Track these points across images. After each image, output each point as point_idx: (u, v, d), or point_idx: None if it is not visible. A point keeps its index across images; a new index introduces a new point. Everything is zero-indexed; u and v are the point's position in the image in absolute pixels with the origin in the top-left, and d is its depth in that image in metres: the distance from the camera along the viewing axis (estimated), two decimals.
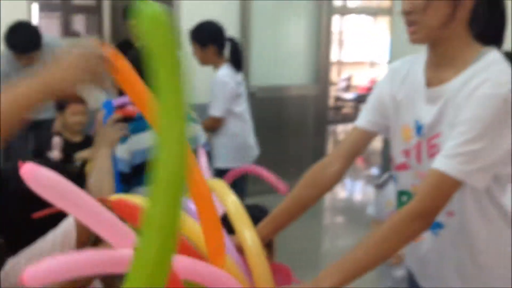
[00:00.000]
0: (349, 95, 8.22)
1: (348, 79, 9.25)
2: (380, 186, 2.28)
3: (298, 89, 5.21)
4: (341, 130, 8.48)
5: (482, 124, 1.13)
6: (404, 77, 1.36)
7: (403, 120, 1.35)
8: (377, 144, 7.11)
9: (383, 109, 1.40)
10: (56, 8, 5.44)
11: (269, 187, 1.99)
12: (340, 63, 9.76)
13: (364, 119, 1.42)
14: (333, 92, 7.82)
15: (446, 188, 1.14)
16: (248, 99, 4.66)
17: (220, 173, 3.08)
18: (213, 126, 3.20)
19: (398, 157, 1.40)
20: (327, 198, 5.03)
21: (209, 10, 4.55)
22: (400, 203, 1.43)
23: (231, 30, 4.74)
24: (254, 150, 3.47)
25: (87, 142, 2.57)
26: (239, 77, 3.32)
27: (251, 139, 3.42)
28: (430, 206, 1.14)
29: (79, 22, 5.66)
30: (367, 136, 1.43)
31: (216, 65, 3.24)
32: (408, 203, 1.18)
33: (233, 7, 4.76)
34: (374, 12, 10.22)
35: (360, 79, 9.73)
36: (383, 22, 10.26)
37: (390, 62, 4.37)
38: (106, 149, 1.76)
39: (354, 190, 5.87)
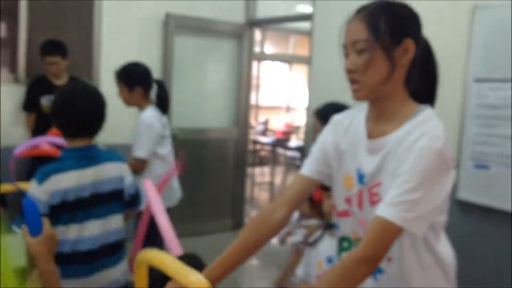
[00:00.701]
0: (266, 139, 8.37)
1: (265, 123, 9.43)
2: (311, 245, 2.20)
3: (219, 131, 5.25)
4: (259, 172, 8.58)
5: (421, 174, 1.22)
6: (347, 128, 1.44)
7: (345, 169, 1.42)
8: None
9: (326, 158, 1.47)
10: None
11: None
12: (257, 107, 9.97)
13: (308, 168, 1.49)
14: (250, 135, 7.95)
15: (389, 234, 1.21)
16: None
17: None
18: (138, 167, 3.11)
19: (340, 205, 1.46)
20: None
21: (131, 53, 4.53)
22: (341, 249, 1.49)
23: (153, 70, 4.75)
24: (178, 192, 3.42)
25: None
26: (165, 119, 3.30)
27: (175, 182, 3.38)
28: (376, 252, 1.21)
29: None
30: (310, 184, 1.48)
31: (142, 106, 3.20)
32: (353, 249, 1.24)
33: (155, 50, 4.77)
34: (289, 59, 10.63)
35: (277, 123, 9.97)
36: (298, 69, 10.69)
37: (308, 107, 4.53)
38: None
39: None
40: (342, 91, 4.01)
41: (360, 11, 1.34)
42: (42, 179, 1.89)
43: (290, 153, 7.94)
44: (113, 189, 2.07)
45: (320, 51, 4.47)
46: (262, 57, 9.73)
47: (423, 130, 1.26)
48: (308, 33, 4.77)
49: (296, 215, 3.02)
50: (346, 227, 1.47)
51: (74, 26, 4.30)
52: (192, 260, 1.37)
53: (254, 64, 5.75)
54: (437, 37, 3.53)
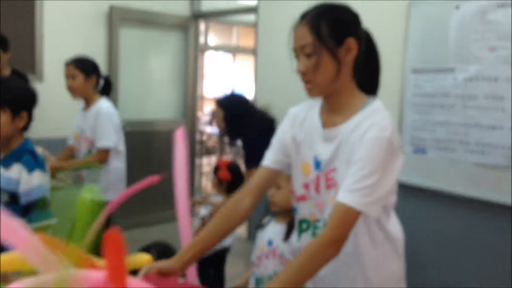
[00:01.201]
0: (212, 129, 8.43)
1: (212, 113, 9.48)
2: (261, 227, 2.31)
3: (166, 123, 5.27)
4: (206, 163, 8.63)
5: (374, 162, 1.36)
6: (303, 120, 1.58)
7: (303, 157, 1.55)
8: None
9: (285, 149, 1.60)
10: None
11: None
12: (201, 98, 9.98)
13: (269, 159, 1.63)
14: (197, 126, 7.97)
15: (351, 218, 1.35)
16: None
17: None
18: (103, 157, 3.15)
19: (298, 190, 1.59)
20: None
21: (75, 46, 4.48)
22: (301, 230, 1.62)
23: (98, 61, 4.71)
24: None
25: None
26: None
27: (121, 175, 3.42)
28: (340, 235, 1.34)
29: None
30: (273, 174, 1.63)
31: (92, 97, 3.21)
32: (319, 234, 1.37)
33: (100, 43, 4.72)
34: (232, 50, 10.69)
35: None
36: (242, 60, 10.77)
37: (255, 98, 4.64)
38: None
39: None
40: (287, 81, 4.18)
41: (304, 16, 1.48)
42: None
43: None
44: (6, 188, 1.98)
45: (265, 42, 4.58)
46: (205, 48, 9.73)
47: (372, 121, 1.40)
48: (252, 25, 4.87)
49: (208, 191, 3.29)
50: (304, 210, 1.59)
51: (16, 19, 4.20)
52: (163, 248, 1.46)
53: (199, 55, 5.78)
54: (376, 31, 3.72)
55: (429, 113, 3.36)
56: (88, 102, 3.23)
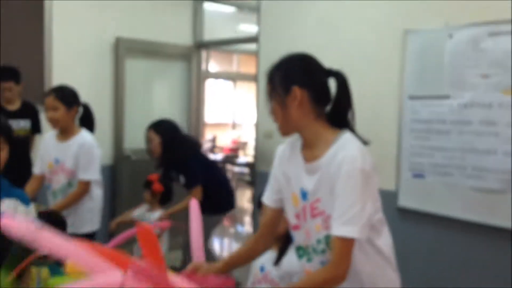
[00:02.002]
0: (215, 156, 8.53)
1: (213, 140, 9.60)
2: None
3: None
4: None
5: (352, 193, 1.53)
6: (289, 157, 1.76)
7: (292, 189, 1.71)
8: (246, 204, 7.45)
9: (278, 185, 1.79)
10: None
11: None
12: (203, 124, 10.11)
13: (270, 199, 1.84)
14: None
15: (349, 248, 1.54)
16: (123, 162, 4.75)
17: (89, 238, 3.05)
18: (88, 189, 3.13)
19: (292, 220, 1.75)
20: None
21: (83, 77, 4.62)
22: (299, 256, 1.78)
23: (105, 93, 4.85)
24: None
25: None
26: None
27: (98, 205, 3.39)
28: (344, 268, 1.54)
29: None
30: (277, 212, 1.83)
31: (72, 128, 3.16)
32: (324, 270, 1.59)
33: (107, 73, 4.87)
34: (233, 77, 10.87)
35: (223, 140, 10.14)
36: (242, 86, 10.93)
37: (256, 123, 4.76)
38: None
39: (221, 246, 6.06)
40: None
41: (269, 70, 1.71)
42: None
43: (237, 169, 8.13)
44: None
45: (266, 69, 4.70)
46: (207, 75, 9.89)
47: (344, 154, 1.57)
48: (251, 52, 5.01)
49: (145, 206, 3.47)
50: (298, 238, 1.76)
51: (25, 50, 4.34)
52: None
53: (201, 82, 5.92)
54: (373, 59, 3.89)
55: (427, 138, 3.47)
56: (68, 133, 3.16)
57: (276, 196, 1.80)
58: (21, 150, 3.94)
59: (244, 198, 7.73)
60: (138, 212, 3.70)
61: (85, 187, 3.12)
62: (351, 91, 1.70)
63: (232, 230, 6.54)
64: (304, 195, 1.66)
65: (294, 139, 1.75)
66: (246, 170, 7.61)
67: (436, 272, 3.50)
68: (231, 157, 8.19)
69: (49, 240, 1.03)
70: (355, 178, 1.53)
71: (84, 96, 4.64)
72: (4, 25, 4.21)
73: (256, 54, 4.82)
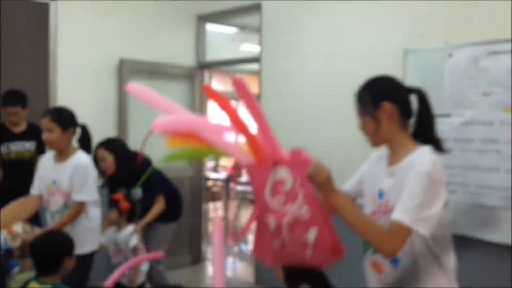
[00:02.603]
0: (218, 175, 8.56)
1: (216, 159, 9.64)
2: None
3: (175, 170, 5.39)
4: (211, 208, 8.73)
5: (414, 189, 1.73)
6: (378, 161, 2.04)
7: (373, 188, 1.97)
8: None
9: (362, 179, 2.09)
10: None
11: None
12: None
13: (349, 185, 2.14)
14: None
15: (404, 234, 1.71)
16: None
17: (84, 259, 3.06)
18: (81, 209, 3.13)
19: (369, 215, 1.97)
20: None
21: (87, 99, 4.69)
22: (365, 250, 2.00)
23: (109, 114, 4.90)
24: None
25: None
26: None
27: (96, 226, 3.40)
28: (393, 247, 1.70)
29: None
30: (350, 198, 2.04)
31: (67, 149, 3.17)
32: (385, 232, 1.74)
33: (111, 94, 4.92)
34: (235, 96, 10.93)
35: (226, 160, 10.17)
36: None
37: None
38: None
39: (225, 265, 6.04)
40: (290, 126, 4.32)
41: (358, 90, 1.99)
42: None
43: (240, 187, 8.14)
44: None
45: (268, 89, 4.76)
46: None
47: (417, 161, 1.79)
48: (254, 72, 5.07)
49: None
50: None
51: (30, 73, 4.40)
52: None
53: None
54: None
55: None
56: (64, 154, 3.17)
57: (356, 187, 2.10)
58: (27, 171, 3.96)
59: (247, 216, 7.71)
60: (107, 236, 3.64)
61: (78, 208, 3.11)
62: (432, 105, 1.94)
63: (236, 249, 6.53)
64: (380, 195, 1.91)
65: (384, 151, 2.01)
66: (249, 188, 7.60)
67: None
68: (234, 176, 8.21)
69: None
70: (421, 178, 1.73)
71: (89, 117, 4.71)
72: (9, 46, 4.27)
73: (258, 73, 4.87)
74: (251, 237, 6.53)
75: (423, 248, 1.84)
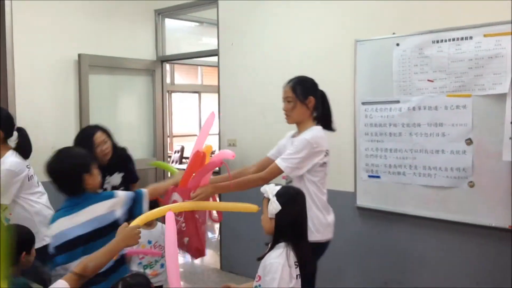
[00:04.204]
0: (183, 166, 8.61)
1: (181, 150, 9.68)
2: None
3: (138, 163, 5.41)
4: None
5: (297, 146, 2.73)
6: (289, 137, 2.99)
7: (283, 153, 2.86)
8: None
9: (278, 151, 3.01)
10: None
11: None
12: (171, 136, 10.20)
13: (272, 154, 3.06)
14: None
15: (276, 173, 2.77)
16: None
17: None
18: None
19: None
20: None
21: (46, 94, 4.70)
22: None
23: (70, 110, 4.92)
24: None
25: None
26: (27, 162, 3.23)
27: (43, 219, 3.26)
28: (266, 181, 2.68)
29: None
30: (269, 163, 2.89)
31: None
32: (256, 174, 2.85)
33: (71, 89, 4.93)
34: (198, 89, 11.00)
35: (191, 150, 10.22)
36: (207, 97, 11.07)
37: (220, 132, 4.91)
38: (117, 243, 2.07)
39: None
40: (250, 117, 4.44)
41: (289, 82, 2.88)
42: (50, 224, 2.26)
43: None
44: (108, 223, 2.32)
45: (227, 82, 4.87)
46: (173, 88, 10.01)
47: (308, 133, 2.77)
48: (213, 65, 5.16)
49: None
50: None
51: None
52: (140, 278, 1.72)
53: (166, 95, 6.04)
54: (327, 68, 4.08)
55: (380, 141, 3.68)
56: None
57: (277, 154, 2.96)
58: None
59: None
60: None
61: None
62: (329, 100, 2.93)
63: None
64: None
65: (294, 131, 2.95)
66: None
67: (393, 265, 3.69)
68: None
69: None
70: (302, 142, 2.72)
71: (49, 113, 4.75)
72: None
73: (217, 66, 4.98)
74: (217, 226, 6.66)
75: (305, 191, 2.53)
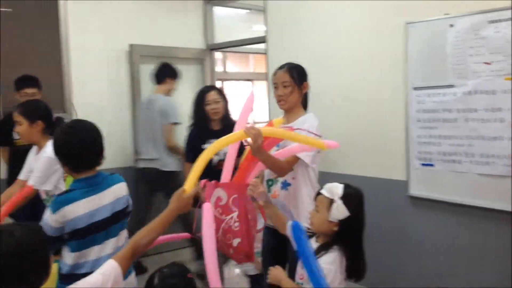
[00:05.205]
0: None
1: None
2: None
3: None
4: None
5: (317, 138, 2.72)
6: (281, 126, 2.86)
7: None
8: None
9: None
10: None
11: None
12: None
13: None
14: None
15: (295, 162, 2.74)
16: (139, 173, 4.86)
17: None
18: (29, 195, 3.04)
19: None
20: None
21: (100, 84, 4.81)
22: (269, 185, 2.93)
23: (123, 99, 5.02)
24: None
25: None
26: None
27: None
28: (288, 170, 2.75)
29: None
30: None
31: (41, 143, 3.15)
32: (285, 160, 2.72)
33: (123, 79, 5.04)
34: (250, 77, 10.97)
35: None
36: (260, 85, 11.02)
37: (269, 119, 4.86)
38: (172, 211, 1.98)
39: None
40: None
41: (283, 67, 2.91)
42: (55, 210, 2.10)
43: None
44: (123, 207, 2.28)
45: (275, 68, 4.80)
46: (225, 77, 10.02)
47: (309, 119, 2.82)
48: (264, 52, 5.12)
49: None
50: (268, 174, 2.92)
51: (44, 62, 4.51)
52: (180, 268, 1.70)
53: (218, 83, 6.05)
54: (377, 52, 3.93)
55: (432, 127, 3.53)
56: (39, 147, 3.17)
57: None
58: None
59: None
60: None
61: (29, 190, 3.04)
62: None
63: None
64: (278, 145, 2.76)
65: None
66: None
67: (447, 256, 3.55)
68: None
69: None
70: (317, 131, 2.69)
71: (104, 102, 4.87)
72: (21, 38, 4.38)
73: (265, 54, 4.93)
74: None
75: (305, 176, 2.78)
